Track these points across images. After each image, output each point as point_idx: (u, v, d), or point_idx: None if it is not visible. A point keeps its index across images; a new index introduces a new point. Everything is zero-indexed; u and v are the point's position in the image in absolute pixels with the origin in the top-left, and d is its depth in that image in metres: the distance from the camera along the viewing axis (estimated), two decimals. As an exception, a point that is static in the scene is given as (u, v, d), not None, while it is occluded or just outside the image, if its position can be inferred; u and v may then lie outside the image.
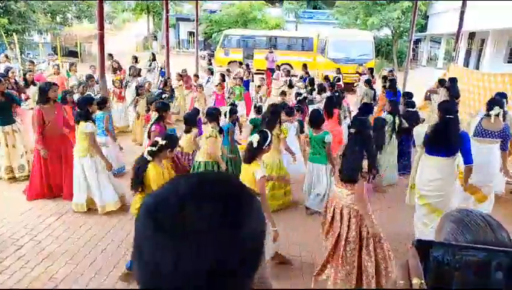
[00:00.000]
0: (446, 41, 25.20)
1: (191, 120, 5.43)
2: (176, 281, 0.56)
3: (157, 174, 3.41)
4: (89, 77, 8.59)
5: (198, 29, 14.22)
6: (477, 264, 0.63)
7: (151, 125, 5.04)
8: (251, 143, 3.55)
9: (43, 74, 9.43)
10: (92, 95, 6.99)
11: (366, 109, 6.31)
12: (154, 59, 11.75)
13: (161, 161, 3.57)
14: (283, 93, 8.81)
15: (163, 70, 11.31)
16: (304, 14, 32.49)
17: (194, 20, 13.96)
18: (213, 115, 5.06)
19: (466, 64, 22.53)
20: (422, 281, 0.60)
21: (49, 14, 21.35)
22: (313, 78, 10.58)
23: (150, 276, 0.58)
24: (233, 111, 6.09)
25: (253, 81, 10.87)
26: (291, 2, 31.88)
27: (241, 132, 7.17)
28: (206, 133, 5.04)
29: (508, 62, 19.43)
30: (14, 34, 11.60)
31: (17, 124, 5.86)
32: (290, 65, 19.76)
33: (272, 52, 18.01)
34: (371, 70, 11.89)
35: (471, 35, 22.99)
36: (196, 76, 10.54)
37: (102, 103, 5.83)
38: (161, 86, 9.28)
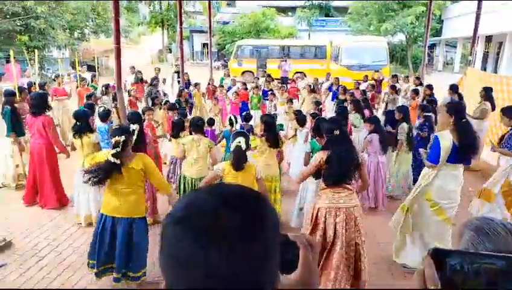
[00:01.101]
0: (462, 45, 24.84)
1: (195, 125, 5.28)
2: (214, 287, 0.58)
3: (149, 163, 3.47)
4: (107, 86, 8.91)
5: (212, 40, 14.38)
6: (496, 273, 0.61)
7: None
8: (239, 147, 3.60)
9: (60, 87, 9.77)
10: (106, 106, 7.19)
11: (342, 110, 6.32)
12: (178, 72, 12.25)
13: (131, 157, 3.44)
14: (290, 100, 8.90)
15: (186, 82, 11.57)
16: (317, 23, 32.57)
17: (207, 32, 14.14)
18: (198, 125, 4.79)
19: (484, 68, 22.11)
20: (439, 288, 0.60)
21: (68, 30, 21.99)
22: (345, 86, 10.42)
23: (190, 282, 0.59)
24: (235, 120, 6.14)
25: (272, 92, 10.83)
26: (303, 10, 32.02)
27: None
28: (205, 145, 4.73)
29: (527, 64, 19.00)
30: (35, 50, 11.95)
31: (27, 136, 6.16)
32: (303, 73, 19.80)
33: (285, 60, 18.09)
34: (396, 76, 11.58)
35: (488, 38, 22.60)
36: (221, 86, 10.74)
37: (106, 116, 5.90)
38: (176, 97, 9.45)
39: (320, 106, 7.52)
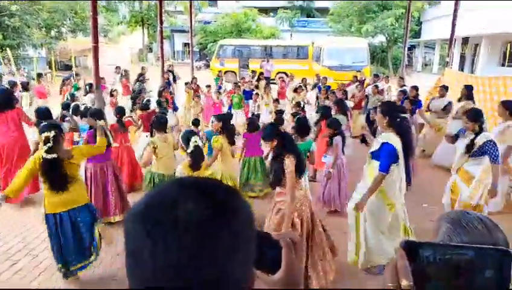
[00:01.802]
0: (440, 46, 25.45)
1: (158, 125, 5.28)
2: (173, 279, 0.56)
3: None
4: (91, 85, 8.78)
5: (193, 40, 14.27)
6: (467, 263, 0.61)
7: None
8: (198, 146, 3.66)
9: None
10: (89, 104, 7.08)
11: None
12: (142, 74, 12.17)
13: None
14: (276, 100, 8.92)
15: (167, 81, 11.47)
16: (298, 23, 32.81)
17: (188, 32, 14.02)
18: (161, 123, 4.85)
19: (461, 68, 22.71)
20: (411, 282, 0.59)
21: (44, 29, 21.43)
22: (329, 86, 10.45)
23: (148, 277, 0.57)
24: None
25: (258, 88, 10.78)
26: (285, 11, 32.18)
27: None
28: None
29: (502, 65, 19.62)
30: (7, 49, 11.61)
31: None
32: (285, 74, 19.87)
33: (267, 60, 18.12)
34: (377, 76, 11.68)
35: (465, 40, 23.24)
36: (208, 86, 10.70)
37: (86, 114, 5.83)
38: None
39: (303, 106, 7.51)
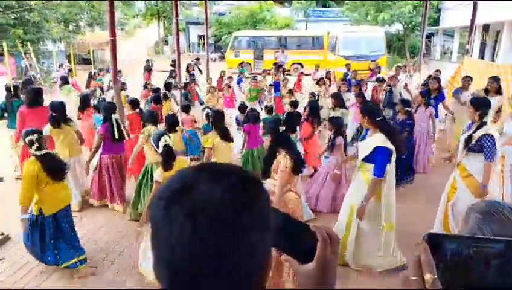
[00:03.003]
0: (459, 34, 24.72)
1: (171, 122, 5.48)
2: (185, 263, 0.58)
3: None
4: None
5: (208, 32, 14.27)
6: (494, 256, 0.60)
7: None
8: (168, 146, 3.66)
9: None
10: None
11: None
12: (173, 65, 12.35)
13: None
14: (290, 92, 8.88)
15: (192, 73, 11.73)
16: (314, 13, 32.32)
17: (203, 24, 14.03)
18: (152, 116, 5.14)
19: (481, 57, 22.05)
20: (435, 276, 0.58)
21: (63, 23, 21.75)
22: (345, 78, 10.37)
23: (167, 258, 0.60)
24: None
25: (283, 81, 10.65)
26: (300, 1, 31.76)
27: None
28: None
29: (525, 53, 18.96)
30: (28, 43, 11.87)
31: None
32: (300, 64, 19.71)
33: (282, 51, 18.00)
34: (399, 67, 11.22)
35: (486, 27, 22.50)
36: (230, 78, 10.82)
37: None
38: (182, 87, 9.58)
39: (317, 98, 7.45)
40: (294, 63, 19.33)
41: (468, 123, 4.10)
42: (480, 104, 3.87)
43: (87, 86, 10.42)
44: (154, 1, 31.10)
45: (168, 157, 3.67)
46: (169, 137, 3.81)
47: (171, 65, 11.98)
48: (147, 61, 12.80)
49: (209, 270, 0.58)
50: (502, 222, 1.14)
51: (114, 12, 6.71)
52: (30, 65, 11.59)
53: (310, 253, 0.70)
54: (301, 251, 0.70)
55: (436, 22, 26.47)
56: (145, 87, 9.72)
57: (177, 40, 11.21)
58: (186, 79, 10.88)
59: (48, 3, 18.52)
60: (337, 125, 5.21)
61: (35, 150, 3.55)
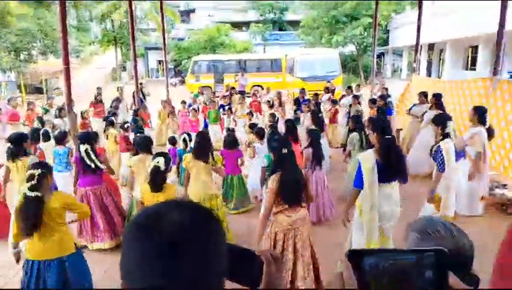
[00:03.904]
0: (408, 53, 26.32)
1: (142, 145, 4.95)
2: (146, 280, 0.64)
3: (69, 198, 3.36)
4: (61, 109, 8.52)
5: (168, 57, 14.29)
6: (410, 267, 0.65)
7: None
8: (158, 168, 3.60)
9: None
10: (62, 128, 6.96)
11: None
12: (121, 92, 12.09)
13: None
14: (250, 113, 8.98)
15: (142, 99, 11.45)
16: (271, 37, 33.31)
17: (162, 49, 14.04)
18: (145, 145, 4.78)
19: (429, 74, 23.54)
20: None
21: (13, 52, 20.97)
22: (298, 99, 10.75)
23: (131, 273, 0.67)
24: (189, 139, 6.03)
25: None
26: (257, 25, 32.64)
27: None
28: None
29: (466, 69, 20.46)
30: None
31: None
32: (261, 86, 20.07)
33: (242, 74, 18.30)
34: (350, 88, 11.74)
35: (431, 46, 24.15)
36: (183, 102, 10.71)
37: (63, 139, 5.67)
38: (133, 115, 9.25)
39: (277, 118, 7.58)
40: (255, 85, 19.66)
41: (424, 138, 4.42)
42: (440, 120, 4.30)
43: (27, 118, 9.54)
44: (111, 27, 30.76)
45: (154, 177, 3.64)
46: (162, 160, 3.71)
47: (115, 99, 11.29)
48: (98, 88, 11.99)
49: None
50: (437, 239, 1.21)
51: (67, 39, 6.58)
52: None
53: (258, 277, 0.74)
54: (248, 277, 0.74)
55: (385, 42, 28.09)
56: (81, 116, 8.93)
57: (135, 66, 11.12)
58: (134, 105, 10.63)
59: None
60: (311, 137, 5.30)
61: (28, 188, 3.01)
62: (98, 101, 11.00)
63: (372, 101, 8.89)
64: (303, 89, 11.91)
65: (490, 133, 5.10)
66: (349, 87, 11.70)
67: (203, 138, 4.75)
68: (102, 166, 4.69)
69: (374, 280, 0.65)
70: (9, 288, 3.96)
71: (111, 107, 10.50)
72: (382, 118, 6.19)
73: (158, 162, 3.64)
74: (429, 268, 0.66)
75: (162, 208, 0.70)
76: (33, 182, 3.02)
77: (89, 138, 4.76)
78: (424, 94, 7.94)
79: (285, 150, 3.39)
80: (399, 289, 0.66)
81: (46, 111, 9.75)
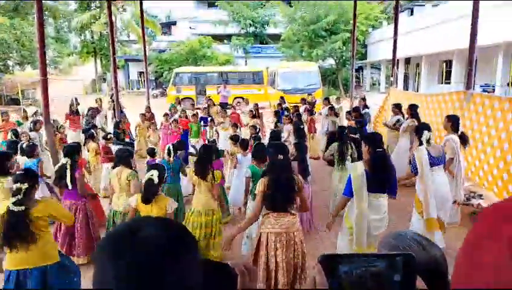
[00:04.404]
0: (385, 67, 27.05)
1: (121, 158, 4.82)
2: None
3: (54, 206, 3.26)
4: (35, 122, 8.25)
5: (149, 69, 14.22)
6: (379, 274, 0.67)
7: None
8: (151, 181, 3.62)
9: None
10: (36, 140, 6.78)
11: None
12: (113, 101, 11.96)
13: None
14: (234, 125, 8.97)
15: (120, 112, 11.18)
16: (252, 49, 33.65)
17: (143, 60, 13.98)
18: (122, 157, 4.66)
19: (406, 87, 24.22)
20: None
21: (-12, 62, 20.48)
22: (278, 111, 10.89)
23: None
24: (173, 150, 5.95)
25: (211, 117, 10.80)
26: (238, 38, 32.95)
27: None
28: (127, 175, 4.52)
29: (441, 83, 21.16)
30: None
31: None
32: (242, 98, 20.17)
33: (224, 87, 18.36)
34: (327, 99, 12.04)
35: (407, 60, 24.91)
36: (166, 114, 10.54)
37: (31, 151, 5.53)
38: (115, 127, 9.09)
39: (258, 130, 7.62)
40: (237, 98, 19.75)
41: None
42: (418, 130, 4.66)
43: (1, 128, 9.06)
44: (90, 38, 30.46)
45: (146, 190, 3.66)
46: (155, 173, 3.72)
47: (90, 108, 11.05)
48: (75, 99, 11.61)
49: None
50: None
51: (45, 50, 6.48)
52: None
53: (232, 288, 0.76)
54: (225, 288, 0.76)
55: (364, 56, 28.82)
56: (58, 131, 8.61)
57: (115, 77, 11.02)
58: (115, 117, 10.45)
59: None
60: (298, 149, 5.38)
61: (13, 203, 2.91)
62: (74, 112, 10.70)
63: (349, 113, 9.22)
64: (282, 97, 12.11)
65: (465, 139, 5.28)
66: (326, 98, 11.99)
67: (206, 152, 4.72)
68: (69, 186, 4.44)
69: (347, 285, 0.67)
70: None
71: (87, 115, 10.29)
72: (358, 129, 6.47)
73: (152, 175, 3.64)
74: (398, 271, 0.68)
75: (133, 226, 0.70)
76: (19, 197, 2.95)
77: (72, 151, 4.61)
78: (397, 106, 8.18)
79: (280, 156, 3.45)
80: None
81: (20, 124, 9.44)
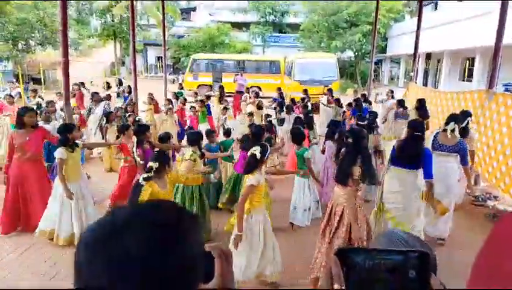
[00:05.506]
0: (405, 61, 26.54)
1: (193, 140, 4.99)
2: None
3: (154, 194, 3.44)
4: (49, 102, 8.34)
5: (167, 54, 14.27)
6: (394, 266, 0.70)
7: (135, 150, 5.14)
8: (254, 155, 3.56)
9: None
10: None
11: (335, 124, 6.56)
12: (121, 84, 12.06)
13: (165, 183, 3.64)
14: (250, 114, 8.92)
15: (126, 95, 11.24)
16: (271, 38, 33.39)
17: (161, 45, 14.02)
18: (193, 140, 4.85)
19: (425, 83, 23.74)
20: (343, 287, 0.67)
21: (11, 41, 20.83)
22: (281, 101, 11.02)
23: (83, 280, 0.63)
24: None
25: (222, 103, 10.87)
26: (257, 26, 32.71)
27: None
28: (184, 154, 4.76)
29: (462, 80, 20.66)
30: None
31: None
32: (259, 87, 20.13)
33: (240, 74, 18.31)
34: (330, 91, 12.26)
35: (428, 55, 24.35)
36: (169, 100, 10.51)
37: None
38: (124, 111, 9.12)
39: (269, 119, 7.73)
40: (253, 86, 19.72)
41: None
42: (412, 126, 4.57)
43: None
44: (111, 21, 30.65)
45: (251, 164, 3.57)
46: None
47: (118, 86, 11.32)
48: (81, 84, 11.55)
49: None
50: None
51: (67, 32, 6.55)
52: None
53: (210, 273, 0.77)
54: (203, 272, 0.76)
55: (384, 49, 28.29)
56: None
57: (134, 61, 11.09)
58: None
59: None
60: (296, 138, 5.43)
61: (144, 179, 3.54)
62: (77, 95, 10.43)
63: (349, 104, 9.39)
64: (305, 90, 12.24)
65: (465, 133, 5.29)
66: (329, 90, 12.05)
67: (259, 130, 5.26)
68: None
69: (362, 277, 0.69)
70: None
71: (91, 101, 10.06)
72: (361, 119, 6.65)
73: (255, 150, 3.57)
74: (413, 268, 0.70)
75: (135, 210, 0.69)
76: (150, 175, 3.52)
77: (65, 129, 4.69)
78: (399, 102, 8.85)
79: (349, 139, 3.83)
80: (385, 288, 0.70)
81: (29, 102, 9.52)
